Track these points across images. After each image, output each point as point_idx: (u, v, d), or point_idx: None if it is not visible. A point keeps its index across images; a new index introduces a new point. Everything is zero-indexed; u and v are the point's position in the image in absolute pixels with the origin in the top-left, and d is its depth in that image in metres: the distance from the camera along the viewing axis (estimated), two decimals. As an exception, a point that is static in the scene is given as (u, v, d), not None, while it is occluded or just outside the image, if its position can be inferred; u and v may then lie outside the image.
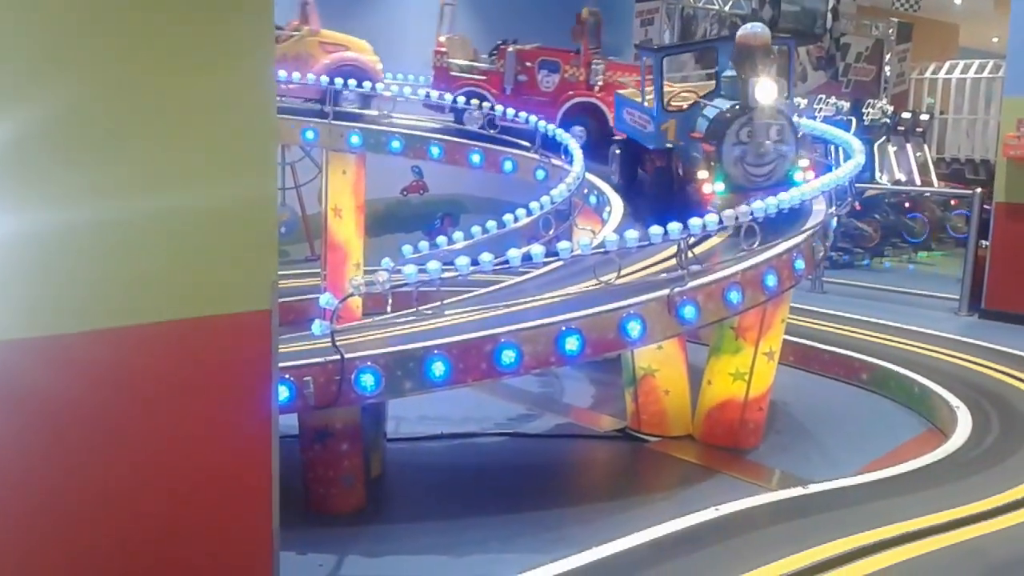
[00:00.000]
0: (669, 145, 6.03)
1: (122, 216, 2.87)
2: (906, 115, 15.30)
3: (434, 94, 7.58)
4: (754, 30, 5.78)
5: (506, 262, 4.36)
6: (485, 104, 7.56)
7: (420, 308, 4.36)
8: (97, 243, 2.83)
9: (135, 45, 2.86)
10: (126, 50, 2.85)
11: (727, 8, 14.43)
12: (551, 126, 7.27)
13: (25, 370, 2.72)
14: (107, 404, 2.89)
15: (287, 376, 3.97)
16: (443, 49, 8.10)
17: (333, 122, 7.33)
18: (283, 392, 3.90)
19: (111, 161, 2.84)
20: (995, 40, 21.08)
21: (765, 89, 5.57)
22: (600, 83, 7.61)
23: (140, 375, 2.95)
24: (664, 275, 4.77)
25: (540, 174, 7.21)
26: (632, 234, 4.54)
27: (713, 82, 6.24)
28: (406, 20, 10.47)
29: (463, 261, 4.27)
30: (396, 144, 7.42)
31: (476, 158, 7.46)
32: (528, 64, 7.82)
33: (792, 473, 5.14)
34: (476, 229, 5.27)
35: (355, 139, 7.35)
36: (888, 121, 14.68)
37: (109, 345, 2.87)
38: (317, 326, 4.15)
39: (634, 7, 13.28)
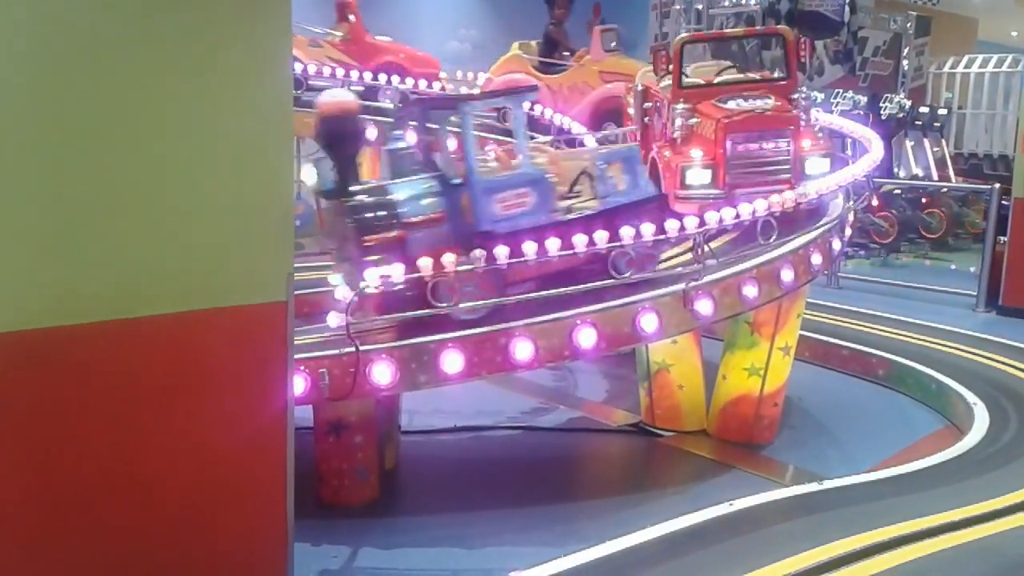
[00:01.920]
0: None
1: (138, 207, 2.89)
2: (924, 110, 15.20)
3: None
4: (320, 99, 4.64)
5: (521, 255, 4.34)
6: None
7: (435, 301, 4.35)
8: (113, 234, 2.84)
9: (156, 41, 2.88)
10: (148, 46, 2.86)
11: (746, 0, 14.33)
12: (566, 118, 7.25)
13: (41, 360, 2.74)
14: (122, 395, 2.90)
15: (302, 368, 3.98)
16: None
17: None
18: (298, 384, 3.91)
19: (128, 152, 2.85)
20: (1014, 34, 20.95)
21: (306, 173, 4.57)
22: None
23: (156, 366, 2.96)
24: (680, 269, 4.76)
25: None
26: (648, 228, 4.53)
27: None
28: (421, 20, 10.47)
29: (478, 254, 4.26)
30: (411, 137, 7.39)
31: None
32: None
33: (807, 469, 5.11)
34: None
35: (370, 132, 7.34)
36: (905, 115, 14.58)
37: (125, 336, 2.88)
38: (332, 318, 4.16)
39: (650, 0, 13.23)
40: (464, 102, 4.71)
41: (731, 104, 5.69)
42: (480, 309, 4.31)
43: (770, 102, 5.71)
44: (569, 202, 4.85)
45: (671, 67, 5.84)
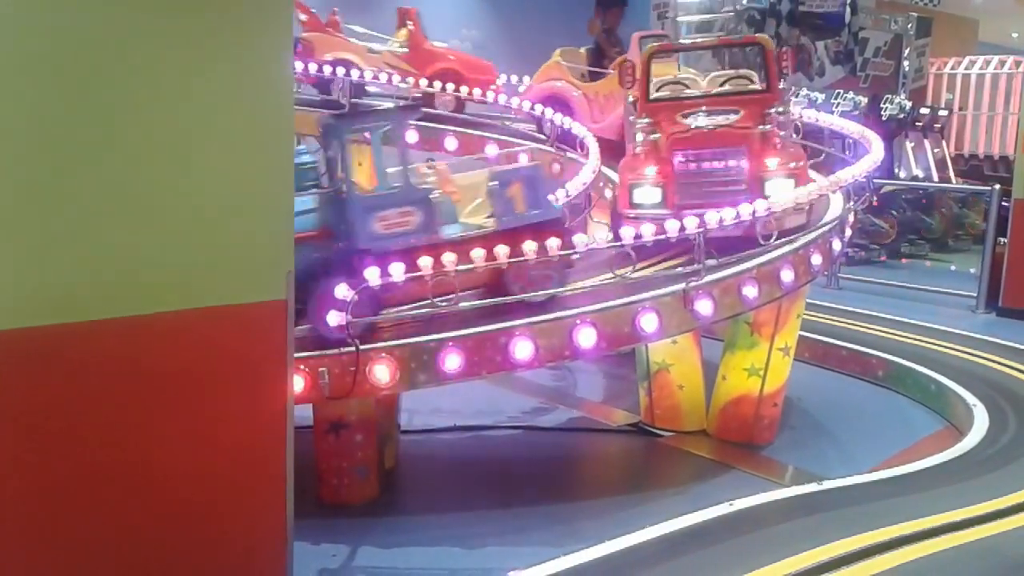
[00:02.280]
0: None
1: (139, 205, 2.89)
2: (924, 110, 15.20)
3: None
4: None
5: (521, 255, 4.34)
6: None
7: (435, 300, 4.36)
8: (114, 232, 2.84)
9: (157, 41, 2.88)
10: (149, 46, 2.86)
11: (745, 2, 14.33)
12: (567, 119, 7.24)
13: (40, 358, 2.74)
14: (122, 393, 2.90)
15: (302, 366, 3.98)
16: None
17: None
18: (298, 382, 3.91)
19: (129, 151, 2.85)
20: (1015, 35, 20.95)
21: None
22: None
23: (156, 364, 2.96)
24: (680, 269, 4.76)
25: (555, 168, 7.18)
26: (648, 228, 4.52)
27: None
28: (422, 18, 10.52)
29: (478, 254, 4.26)
30: (411, 136, 7.40)
31: (491, 151, 7.44)
32: None
33: (806, 470, 5.11)
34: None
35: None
36: (906, 116, 14.58)
37: (125, 333, 2.88)
38: (332, 317, 4.16)
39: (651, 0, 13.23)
40: (342, 122, 4.59)
41: (690, 120, 5.50)
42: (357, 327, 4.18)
43: (732, 118, 5.46)
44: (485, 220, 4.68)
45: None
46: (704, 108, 5.57)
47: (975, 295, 9.44)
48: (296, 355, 3.59)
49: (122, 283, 2.87)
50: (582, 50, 8.33)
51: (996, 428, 5.35)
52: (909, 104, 15.21)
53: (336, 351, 4.08)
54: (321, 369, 4.03)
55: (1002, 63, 17.28)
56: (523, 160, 5.33)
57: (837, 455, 5.50)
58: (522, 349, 4.24)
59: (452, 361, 4.16)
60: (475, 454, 5.44)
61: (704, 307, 4.59)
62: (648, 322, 4.46)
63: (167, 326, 2.96)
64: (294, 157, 3.35)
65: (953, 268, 12.46)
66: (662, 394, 5.66)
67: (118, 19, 2.80)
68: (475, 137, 7.51)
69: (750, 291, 4.77)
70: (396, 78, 7.57)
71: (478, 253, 4.25)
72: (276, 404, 3.26)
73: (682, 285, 4.57)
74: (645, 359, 5.66)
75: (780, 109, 5.54)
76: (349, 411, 4.40)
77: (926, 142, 14.56)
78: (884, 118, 14.17)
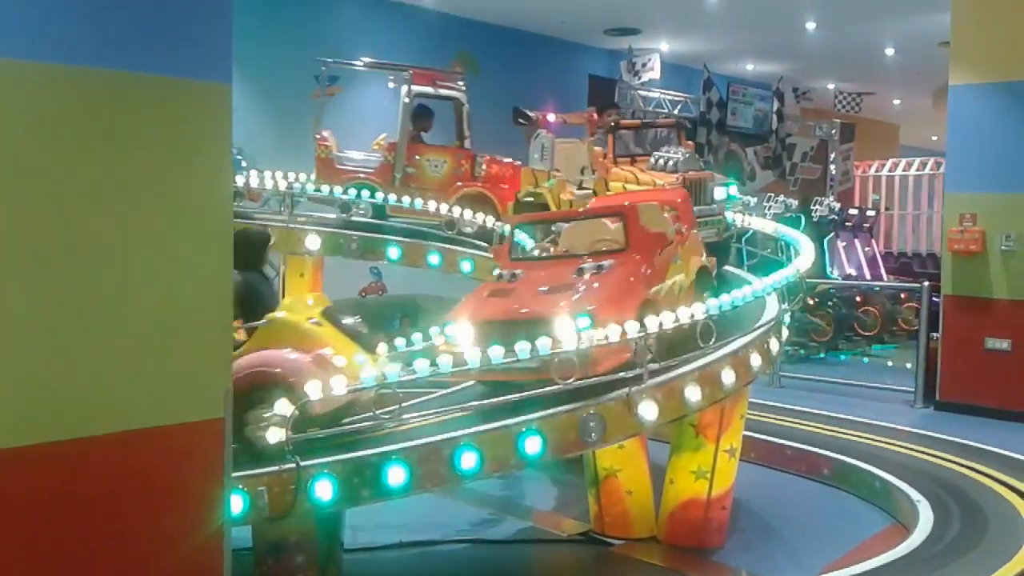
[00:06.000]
0: None
1: (75, 328, 2.84)
2: (853, 211, 15.74)
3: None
4: None
5: (465, 364, 4.33)
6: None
7: (378, 412, 4.30)
8: (49, 356, 2.78)
9: (93, 163, 2.88)
10: (86, 169, 2.86)
11: (676, 111, 14.88)
12: (508, 226, 7.35)
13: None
14: (56, 517, 2.80)
15: (240, 486, 3.87)
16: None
17: (291, 226, 7.35)
18: (236, 502, 3.79)
19: (63, 269, 2.82)
20: (934, 138, 21.97)
21: None
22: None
23: (86, 490, 2.87)
24: (622, 374, 4.76)
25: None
26: (591, 334, 4.55)
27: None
28: (366, 115, 10.77)
29: (422, 364, 4.23)
30: (354, 247, 7.44)
31: (435, 259, 7.48)
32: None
33: (758, 574, 5.07)
34: (435, 330, 5.25)
35: (313, 242, 7.37)
36: (836, 217, 15.08)
37: (58, 457, 2.80)
38: (272, 433, 4.07)
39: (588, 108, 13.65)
40: None
41: None
42: None
43: None
44: None
45: None
46: None
47: (913, 390, 9.61)
48: (233, 474, 3.50)
49: (51, 407, 2.79)
50: None
51: (941, 524, 5.38)
52: (838, 205, 15.75)
53: (276, 468, 3.98)
54: (260, 488, 3.92)
55: (923, 164, 18.05)
56: None
57: (787, 557, 5.47)
58: (468, 460, 4.18)
59: (396, 475, 4.08)
60: (422, 571, 5.29)
61: (648, 411, 4.60)
62: (593, 428, 4.44)
63: (99, 450, 2.88)
64: (232, 274, 3.35)
65: (890, 363, 12.70)
66: (611, 500, 5.60)
67: (57, 147, 2.80)
68: (417, 245, 7.56)
69: (692, 394, 4.79)
70: None
71: None
72: (212, 526, 3.16)
73: (626, 390, 4.58)
74: (593, 465, 5.62)
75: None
76: (289, 531, 4.26)
77: (856, 241, 15.03)
78: (815, 219, 14.62)
